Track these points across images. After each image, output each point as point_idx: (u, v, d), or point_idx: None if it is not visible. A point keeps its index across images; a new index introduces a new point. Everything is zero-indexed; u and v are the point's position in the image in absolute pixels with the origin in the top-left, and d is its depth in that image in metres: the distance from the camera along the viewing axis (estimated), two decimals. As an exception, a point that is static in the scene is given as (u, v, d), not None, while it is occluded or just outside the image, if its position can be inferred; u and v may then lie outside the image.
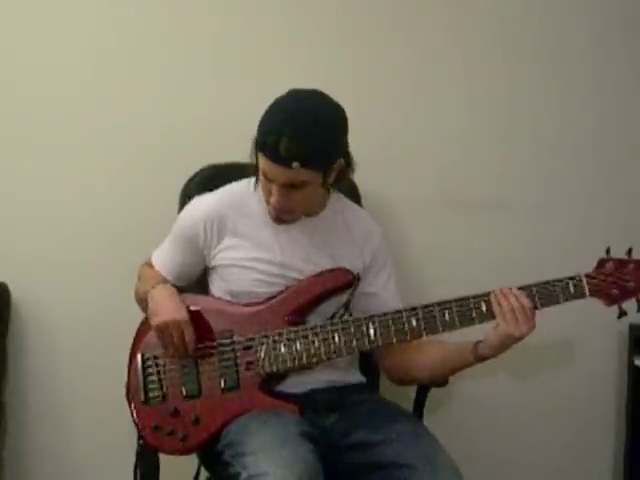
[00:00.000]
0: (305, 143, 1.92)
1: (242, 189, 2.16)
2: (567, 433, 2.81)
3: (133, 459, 2.17)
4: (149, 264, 2.25)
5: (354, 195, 2.45)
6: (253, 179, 2.12)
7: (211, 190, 2.21)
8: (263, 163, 1.97)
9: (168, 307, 2.06)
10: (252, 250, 2.11)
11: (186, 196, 2.37)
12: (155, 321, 2.05)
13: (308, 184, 1.99)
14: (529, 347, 2.67)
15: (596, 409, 2.81)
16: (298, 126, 1.91)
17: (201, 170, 2.45)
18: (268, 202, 2.04)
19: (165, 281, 2.16)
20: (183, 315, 2.04)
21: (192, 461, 2.19)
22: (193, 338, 2.05)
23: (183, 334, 2.03)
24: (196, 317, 2.08)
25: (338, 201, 2.20)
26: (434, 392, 2.32)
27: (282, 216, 2.07)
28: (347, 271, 2.10)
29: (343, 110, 2.00)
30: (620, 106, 2.74)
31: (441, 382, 2.24)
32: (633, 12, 2.71)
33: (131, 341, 2.15)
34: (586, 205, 2.74)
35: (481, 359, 2.00)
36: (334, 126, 1.98)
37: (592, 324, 2.70)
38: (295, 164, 1.92)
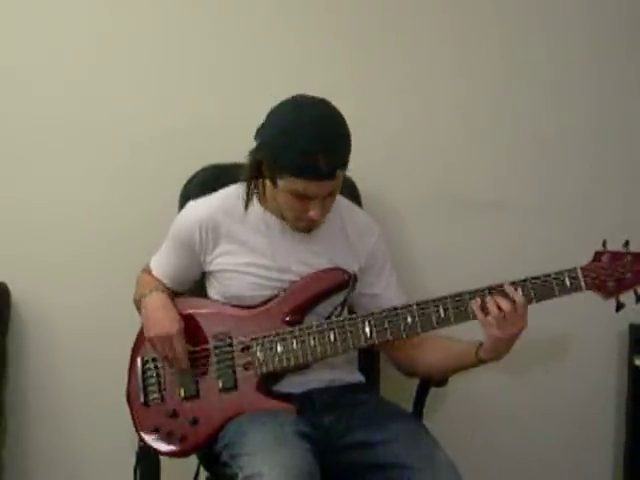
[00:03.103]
0: (340, 150, 1.95)
1: (233, 195, 2.15)
2: (567, 433, 2.81)
3: (133, 459, 2.17)
4: (147, 270, 2.25)
5: (354, 195, 2.45)
6: (241, 185, 2.12)
7: (211, 190, 2.21)
8: (298, 185, 1.94)
9: (160, 320, 2.08)
10: (247, 255, 2.11)
11: (186, 196, 2.37)
12: (148, 335, 2.08)
13: (340, 185, 2.02)
14: (529, 347, 2.68)
15: (596, 409, 2.81)
16: (328, 137, 1.92)
17: (201, 170, 2.45)
18: (301, 218, 2.03)
19: (160, 287, 2.17)
20: (174, 329, 2.06)
21: (192, 462, 2.20)
22: (185, 351, 2.06)
23: (173, 347, 2.05)
24: (190, 321, 2.09)
25: (335, 201, 2.19)
26: (434, 392, 2.31)
27: (316, 226, 2.08)
28: (343, 271, 2.10)
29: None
30: (619, 107, 2.73)
31: (442, 381, 2.24)
32: (633, 12, 2.71)
33: (131, 340, 2.16)
34: (585, 206, 2.73)
35: (482, 362, 2.00)
36: (343, 119, 1.98)
37: (592, 324, 2.71)
38: (339, 172, 1.94)
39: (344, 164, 1.97)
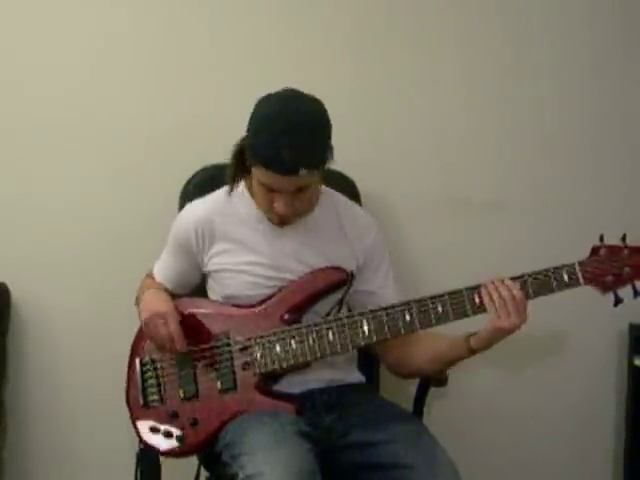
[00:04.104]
0: (307, 148, 1.92)
1: (227, 194, 2.15)
2: (567, 433, 2.81)
3: (133, 459, 2.17)
4: (150, 275, 2.26)
5: (354, 195, 2.45)
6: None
7: (211, 190, 2.21)
8: (265, 176, 1.95)
9: (153, 303, 2.09)
10: (244, 254, 2.11)
11: (186, 196, 2.38)
12: (143, 318, 2.08)
13: (312, 184, 2.00)
14: (529, 347, 2.69)
15: (596, 408, 2.81)
16: (296, 132, 1.90)
17: (201, 170, 2.46)
18: (269, 210, 2.04)
19: (160, 288, 2.19)
20: (167, 308, 2.07)
21: (192, 462, 2.19)
22: (178, 329, 2.03)
23: (167, 324, 2.03)
24: (191, 320, 2.09)
25: (331, 198, 2.19)
26: (434, 392, 2.32)
27: (287, 220, 2.08)
28: (341, 269, 2.10)
29: (322, 102, 1.99)
30: (619, 107, 2.74)
31: (441, 381, 2.25)
32: (632, 12, 2.71)
33: (130, 340, 2.16)
34: (585, 206, 2.73)
35: (473, 352, 2.00)
36: (325, 122, 1.97)
37: (592, 324, 2.71)
38: (303, 171, 1.92)
39: (312, 164, 1.93)
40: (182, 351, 2.04)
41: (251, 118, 1.97)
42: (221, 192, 2.18)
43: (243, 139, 2.01)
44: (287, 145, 1.88)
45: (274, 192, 1.98)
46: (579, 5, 2.71)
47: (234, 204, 2.14)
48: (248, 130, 1.98)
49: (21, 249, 2.63)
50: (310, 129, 1.93)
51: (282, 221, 2.08)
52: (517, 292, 1.94)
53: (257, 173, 1.98)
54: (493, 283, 1.96)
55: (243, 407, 2.04)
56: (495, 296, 1.94)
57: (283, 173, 1.92)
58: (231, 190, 2.12)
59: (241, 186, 2.13)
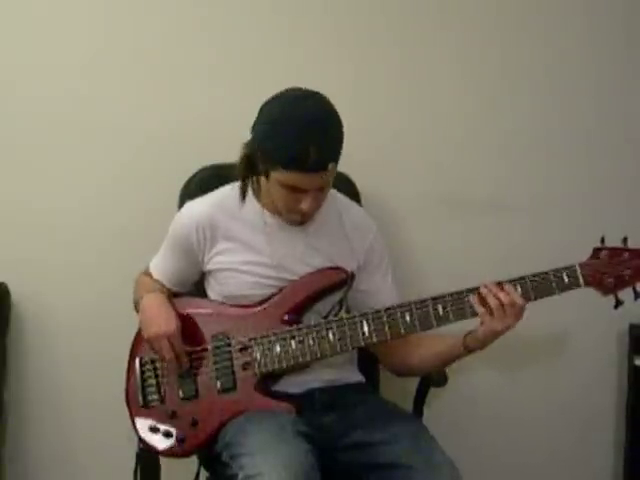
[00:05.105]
0: (331, 142, 1.93)
1: (230, 193, 2.15)
2: (567, 433, 2.81)
3: (133, 458, 2.17)
4: (146, 273, 2.25)
5: (354, 195, 2.45)
6: (236, 183, 2.13)
7: (211, 190, 2.21)
8: (290, 178, 1.94)
9: (157, 319, 2.08)
10: (245, 253, 2.11)
11: (186, 196, 2.37)
12: (145, 335, 2.08)
13: (332, 178, 2.01)
14: (529, 347, 2.69)
15: (596, 409, 2.81)
16: (318, 128, 1.90)
17: (201, 170, 2.45)
18: (292, 210, 2.03)
19: (158, 288, 2.18)
20: (171, 327, 2.06)
21: (192, 462, 2.19)
22: (182, 349, 2.06)
23: (172, 346, 2.05)
24: (188, 321, 2.09)
25: (332, 198, 2.18)
26: (433, 392, 2.32)
27: (308, 218, 2.08)
28: (341, 270, 2.10)
29: (325, 95, 2.00)
30: (616, 106, 2.73)
31: (441, 381, 2.25)
32: (631, 11, 2.71)
33: (130, 340, 2.16)
34: (583, 205, 2.73)
35: (469, 351, 2.01)
36: (336, 113, 1.97)
37: (592, 324, 2.71)
38: (331, 165, 1.93)
39: (336, 157, 1.95)
40: (185, 366, 2.07)
41: (261, 122, 1.97)
42: (222, 191, 2.17)
43: (248, 146, 2.01)
44: (313, 144, 1.88)
45: (299, 192, 1.97)
46: (578, 4, 2.71)
47: (236, 204, 2.13)
48: (259, 135, 1.96)
49: (21, 249, 2.63)
50: (328, 123, 1.94)
51: (305, 219, 2.08)
52: (515, 296, 1.94)
53: (279, 176, 1.95)
54: (492, 287, 1.96)
55: (243, 407, 2.04)
56: (492, 300, 1.94)
57: (313, 171, 1.92)
58: (243, 198, 2.12)
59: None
